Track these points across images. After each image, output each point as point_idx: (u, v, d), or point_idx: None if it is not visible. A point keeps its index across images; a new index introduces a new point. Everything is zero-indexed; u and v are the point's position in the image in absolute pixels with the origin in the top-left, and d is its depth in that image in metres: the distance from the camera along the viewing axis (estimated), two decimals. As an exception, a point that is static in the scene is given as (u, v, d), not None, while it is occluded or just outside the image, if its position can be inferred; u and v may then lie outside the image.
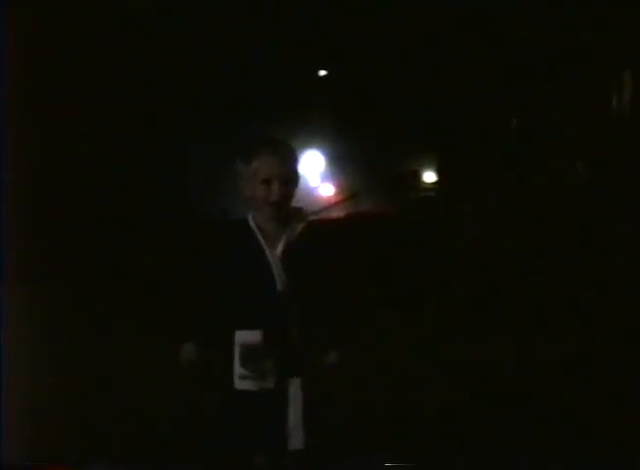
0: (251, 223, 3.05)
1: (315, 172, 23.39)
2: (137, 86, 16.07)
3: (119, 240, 13.09)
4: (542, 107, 14.62)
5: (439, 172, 21.79)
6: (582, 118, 13.31)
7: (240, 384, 2.91)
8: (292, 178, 3.05)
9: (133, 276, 10.65)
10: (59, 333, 6.84)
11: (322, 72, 22.17)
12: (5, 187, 5.39)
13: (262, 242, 3.00)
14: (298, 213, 3.10)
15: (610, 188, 11.85)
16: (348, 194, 22.42)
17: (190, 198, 17.33)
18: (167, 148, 17.88)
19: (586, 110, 13.38)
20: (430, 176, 23.55)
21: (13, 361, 4.62)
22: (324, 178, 23.67)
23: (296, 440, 2.90)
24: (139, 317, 8.07)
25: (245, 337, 2.89)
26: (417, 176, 24.02)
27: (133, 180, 16.34)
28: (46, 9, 10.03)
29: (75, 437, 4.57)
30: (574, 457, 4.05)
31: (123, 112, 15.87)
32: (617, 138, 12.45)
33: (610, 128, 12.80)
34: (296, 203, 3.11)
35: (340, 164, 23.05)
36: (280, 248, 2.99)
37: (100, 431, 4.77)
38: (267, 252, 2.98)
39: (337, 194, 23.26)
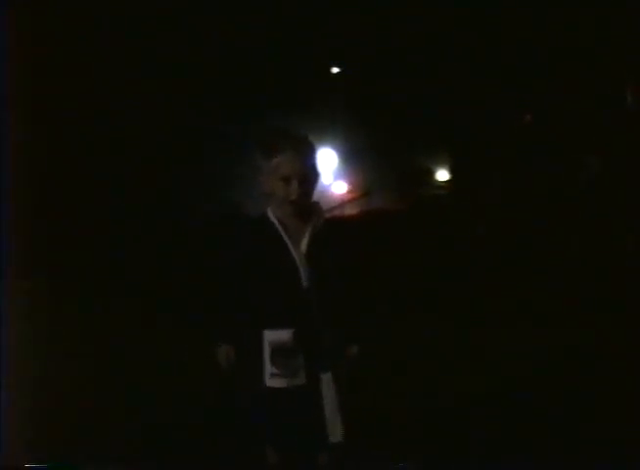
0: (272, 218, 3.01)
1: (329, 170, 23.58)
2: (141, 82, 16.17)
3: (126, 237, 13.17)
4: (556, 106, 14.63)
5: (452, 171, 21.80)
6: (590, 118, 13.33)
7: (271, 382, 2.93)
8: (311, 176, 3.00)
9: (137, 274, 10.71)
10: (59, 332, 6.90)
11: (336, 70, 22.22)
12: (5, 187, 5.42)
13: (285, 238, 2.96)
14: (318, 209, 3.06)
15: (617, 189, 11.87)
16: (362, 192, 22.53)
17: (202, 193, 17.44)
18: (178, 143, 17.97)
19: (592, 110, 13.39)
20: (442, 175, 23.68)
21: (13, 361, 4.66)
22: (337, 176, 23.81)
23: (334, 433, 2.93)
24: (140, 317, 8.11)
25: (274, 336, 2.90)
26: (430, 175, 24.26)
27: (147, 174, 16.47)
28: (46, 9, 10.10)
29: (75, 437, 4.57)
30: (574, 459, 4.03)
31: (126, 108, 15.95)
32: (622, 139, 12.46)
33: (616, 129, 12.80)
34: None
35: (353, 161, 23.20)
36: (304, 244, 2.96)
37: (100, 431, 4.77)
38: (291, 248, 2.95)
39: (350, 191, 23.33)
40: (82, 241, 12.02)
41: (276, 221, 2.98)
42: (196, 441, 4.46)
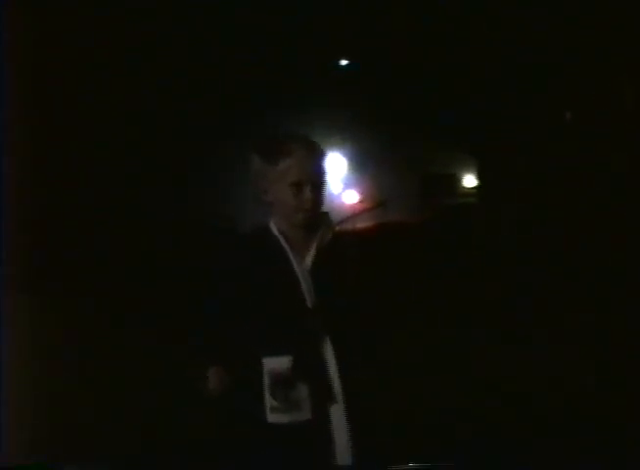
0: (275, 231, 2.92)
1: (338, 178, 23.08)
2: (141, 84, 16.61)
3: (126, 248, 13.64)
4: (584, 107, 14.86)
5: (478, 176, 21.37)
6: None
7: (271, 417, 2.82)
8: (323, 182, 2.92)
9: (136, 282, 11.23)
10: (58, 335, 7.36)
11: (348, 67, 22.27)
12: (5, 193, 5.94)
13: (289, 253, 2.88)
14: (326, 220, 2.97)
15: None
16: (375, 202, 22.31)
17: (198, 203, 17.80)
18: (179, 152, 18.39)
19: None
20: (468, 181, 23.26)
21: (13, 362, 5.11)
22: (347, 184, 23.70)
23: None
24: (139, 322, 8.59)
25: (273, 364, 2.81)
26: (453, 181, 23.71)
27: (140, 187, 16.91)
28: (46, 9, 10.59)
29: (75, 437, 4.89)
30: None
31: (127, 111, 16.41)
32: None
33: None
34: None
35: (365, 168, 23.00)
36: (309, 259, 2.89)
37: (99, 431, 5.10)
38: (295, 264, 2.87)
39: (362, 201, 23.31)
40: (76, 253, 12.50)
41: (280, 235, 2.90)
42: (195, 442, 4.84)
